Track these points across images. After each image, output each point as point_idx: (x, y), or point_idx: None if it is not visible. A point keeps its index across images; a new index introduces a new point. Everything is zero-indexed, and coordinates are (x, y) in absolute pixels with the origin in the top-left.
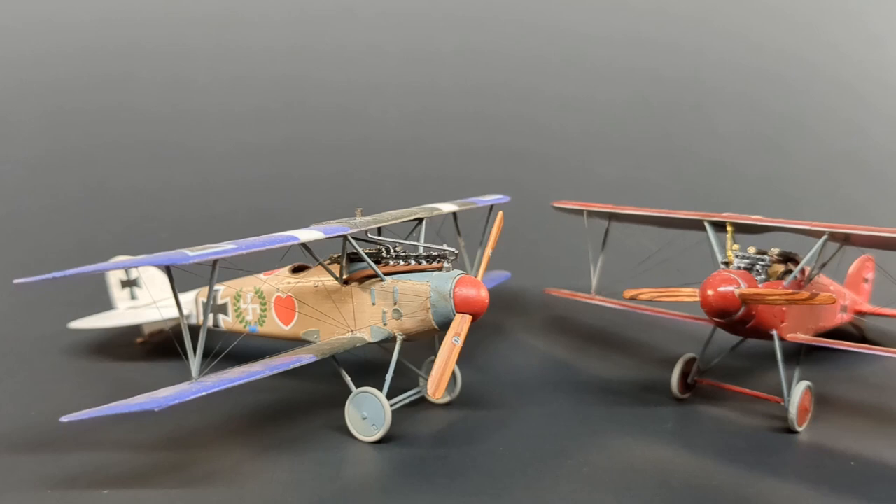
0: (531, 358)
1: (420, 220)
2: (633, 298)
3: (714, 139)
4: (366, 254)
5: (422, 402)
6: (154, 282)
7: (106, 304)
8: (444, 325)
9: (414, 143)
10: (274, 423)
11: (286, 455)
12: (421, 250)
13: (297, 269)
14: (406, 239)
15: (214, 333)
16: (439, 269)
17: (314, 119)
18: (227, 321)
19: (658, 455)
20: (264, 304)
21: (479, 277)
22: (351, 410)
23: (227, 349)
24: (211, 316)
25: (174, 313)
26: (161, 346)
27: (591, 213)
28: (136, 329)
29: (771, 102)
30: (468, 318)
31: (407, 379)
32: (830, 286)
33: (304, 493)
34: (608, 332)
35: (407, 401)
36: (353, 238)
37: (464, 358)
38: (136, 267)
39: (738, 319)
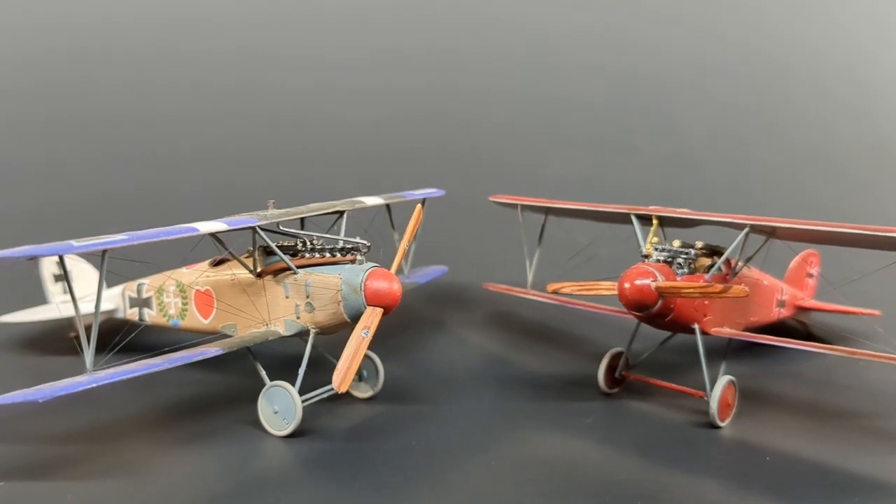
0: (467, 353)
1: (341, 213)
2: (555, 292)
3: (676, 135)
4: (282, 246)
5: (346, 396)
6: (84, 276)
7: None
8: (356, 318)
9: (368, 139)
10: (192, 417)
11: (196, 448)
12: (340, 243)
13: (217, 263)
14: (327, 232)
15: (144, 327)
16: (352, 262)
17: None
18: (151, 315)
19: (571, 449)
20: (185, 297)
21: (394, 271)
22: (263, 404)
23: (121, 343)
24: (136, 310)
25: (107, 307)
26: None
27: (526, 208)
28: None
29: (734, 98)
30: (379, 311)
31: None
32: (764, 280)
33: (202, 485)
34: (547, 326)
35: (326, 395)
36: (267, 231)
37: (398, 353)
38: (17, 257)
39: (656, 313)
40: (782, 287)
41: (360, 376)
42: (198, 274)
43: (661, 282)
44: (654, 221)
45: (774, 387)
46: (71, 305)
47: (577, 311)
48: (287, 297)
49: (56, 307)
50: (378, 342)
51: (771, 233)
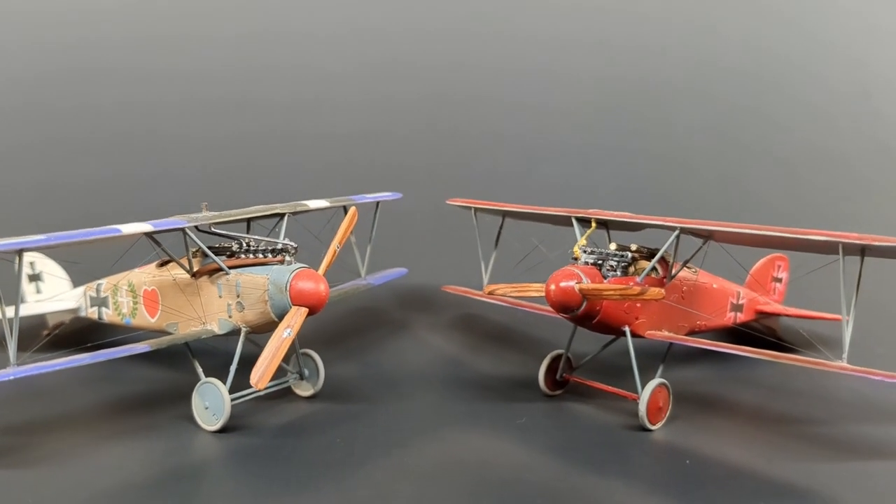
0: (422, 354)
1: (281, 215)
2: (491, 293)
3: (669, 138)
4: (220, 248)
5: (289, 393)
6: (54, 276)
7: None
8: (283, 317)
9: (334, 147)
10: (134, 412)
11: (128, 441)
12: (280, 245)
13: (163, 264)
14: (268, 234)
15: (103, 326)
16: (280, 263)
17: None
18: (108, 314)
19: (493, 449)
20: (135, 297)
21: (322, 272)
22: (196, 400)
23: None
24: (96, 309)
25: (70, 305)
26: (67, 338)
27: (479, 210)
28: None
29: (731, 98)
30: (303, 310)
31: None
32: (713, 283)
33: (119, 476)
34: (508, 329)
35: (262, 393)
36: (208, 233)
37: (354, 353)
38: None
39: (582, 314)
40: (738, 291)
41: (301, 375)
42: (146, 274)
43: (584, 284)
44: (592, 224)
45: (724, 391)
46: (44, 304)
47: (540, 314)
48: (220, 297)
49: (34, 306)
50: (335, 342)
51: (708, 236)
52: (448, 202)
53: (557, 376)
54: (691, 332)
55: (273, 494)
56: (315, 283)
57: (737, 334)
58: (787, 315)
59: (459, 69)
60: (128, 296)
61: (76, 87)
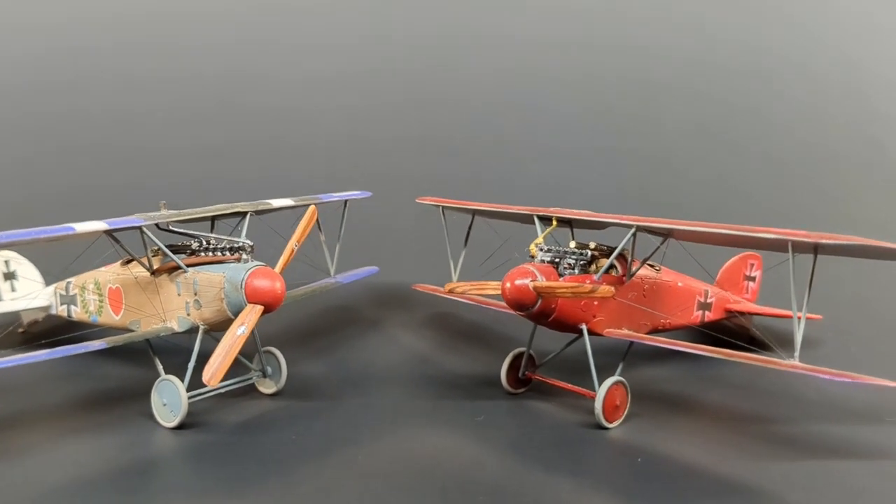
0: (392, 352)
1: (243, 214)
2: (451, 291)
3: (659, 137)
4: (178, 246)
5: (252, 391)
6: (28, 276)
7: None
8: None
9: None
10: (96, 408)
11: (85, 438)
12: (242, 242)
13: (128, 262)
14: (230, 233)
15: (73, 323)
16: (238, 261)
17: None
18: (77, 312)
19: (447, 446)
20: (101, 295)
21: (279, 270)
22: (155, 397)
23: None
24: (65, 307)
25: (41, 304)
26: (42, 335)
27: (448, 209)
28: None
29: (719, 96)
30: (259, 308)
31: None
32: (678, 282)
33: (71, 471)
34: (481, 327)
35: (223, 390)
36: (168, 231)
37: (324, 351)
38: None
39: (537, 312)
40: (705, 289)
41: (263, 372)
42: (111, 272)
43: (538, 282)
44: (553, 222)
45: (690, 390)
46: (17, 302)
47: (509, 313)
48: (179, 295)
49: (8, 304)
50: (306, 341)
51: (667, 234)
52: (417, 200)
53: (520, 374)
54: (655, 331)
55: (219, 490)
56: (271, 282)
57: (705, 333)
58: (760, 314)
59: (438, 71)
60: (94, 294)
61: (39, 97)
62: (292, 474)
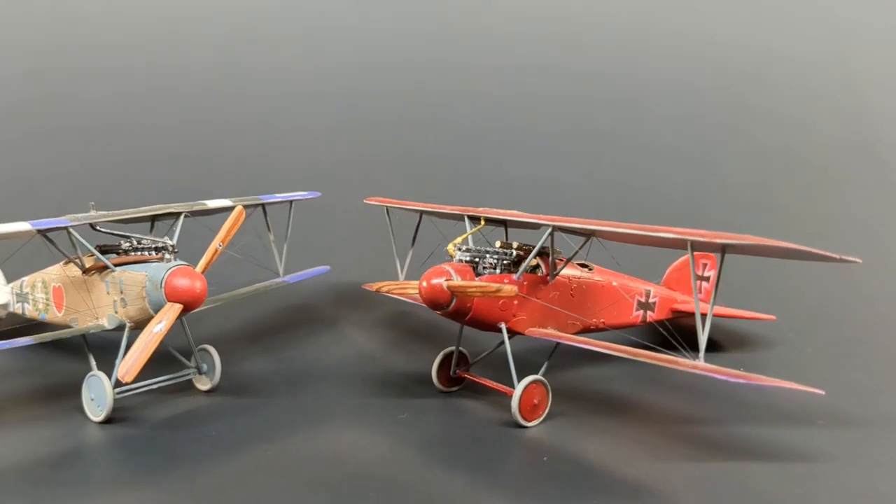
0: (342, 351)
1: (178, 214)
2: (377, 291)
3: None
4: (109, 246)
5: (191, 387)
6: None
7: None
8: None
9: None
10: (31, 403)
11: (16, 430)
12: (164, 243)
13: (69, 262)
14: (166, 234)
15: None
16: (160, 260)
17: None
18: (29, 309)
19: (361, 443)
20: (47, 293)
21: (200, 270)
22: (84, 391)
23: None
24: (20, 305)
25: (2, 300)
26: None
27: (393, 209)
28: None
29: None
30: (177, 307)
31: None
32: (612, 281)
33: None
34: (435, 326)
35: (155, 386)
36: (102, 232)
37: (273, 349)
38: None
39: (453, 311)
40: (648, 289)
41: (199, 369)
42: (55, 271)
43: (452, 281)
44: (482, 222)
45: (626, 390)
46: None
47: None
48: (108, 293)
49: None
50: (258, 339)
51: (590, 234)
52: (365, 201)
53: (451, 373)
54: (587, 330)
55: (124, 482)
56: (190, 281)
57: (651, 333)
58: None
59: (418, 62)
60: (42, 293)
61: None
62: (197, 467)
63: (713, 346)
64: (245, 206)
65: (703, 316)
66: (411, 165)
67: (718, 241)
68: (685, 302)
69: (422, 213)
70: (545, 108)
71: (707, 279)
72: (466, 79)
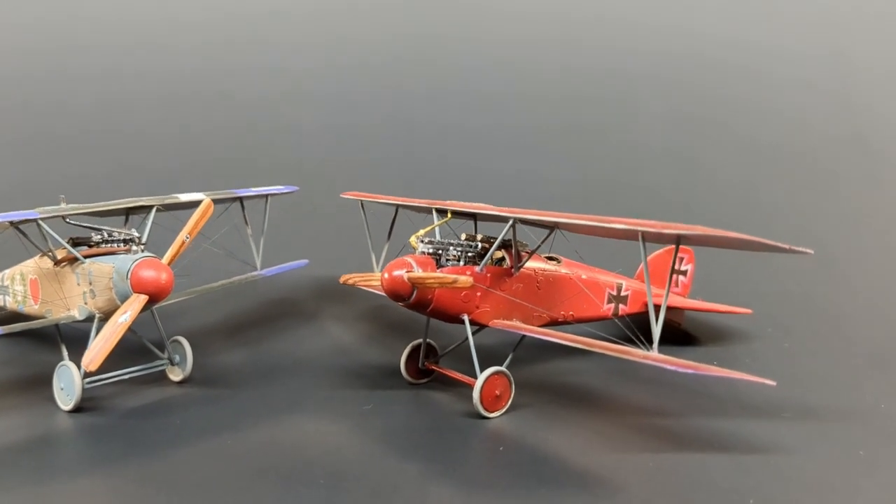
0: (318, 344)
1: (150, 208)
2: (345, 283)
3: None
4: (81, 238)
5: (164, 377)
6: None
7: None
8: None
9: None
10: (8, 392)
11: None
12: (131, 235)
13: (44, 255)
14: (138, 226)
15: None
16: (127, 252)
17: None
18: (10, 302)
19: (321, 434)
20: (25, 285)
21: (167, 262)
22: (55, 381)
23: None
24: (1, 297)
25: None
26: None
27: (368, 203)
28: None
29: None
30: (143, 298)
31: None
32: (582, 274)
33: None
34: (413, 319)
35: (127, 376)
36: (74, 224)
37: (250, 342)
38: None
39: (414, 302)
40: (619, 283)
41: (171, 360)
42: (32, 264)
43: (413, 273)
44: (448, 214)
45: (595, 382)
46: None
47: None
48: (78, 285)
49: None
50: (237, 331)
51: (553, 226)
52: (342, 195)
53: (419, 364)
54: (554, 322)
55: (81, 469)
56: (156, 272)
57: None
58: (688, 308)
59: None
60: (20, 285)
61: None
62: (153, 455)
63: (689, 339)
64: (222, 200)
65: (657, 307)
66: (401, 164)
67: (669, 231)
68: (659, 295)
69: (397, 206)
70: (534, 106)
71: (684, 273)
72: (454, 77)
